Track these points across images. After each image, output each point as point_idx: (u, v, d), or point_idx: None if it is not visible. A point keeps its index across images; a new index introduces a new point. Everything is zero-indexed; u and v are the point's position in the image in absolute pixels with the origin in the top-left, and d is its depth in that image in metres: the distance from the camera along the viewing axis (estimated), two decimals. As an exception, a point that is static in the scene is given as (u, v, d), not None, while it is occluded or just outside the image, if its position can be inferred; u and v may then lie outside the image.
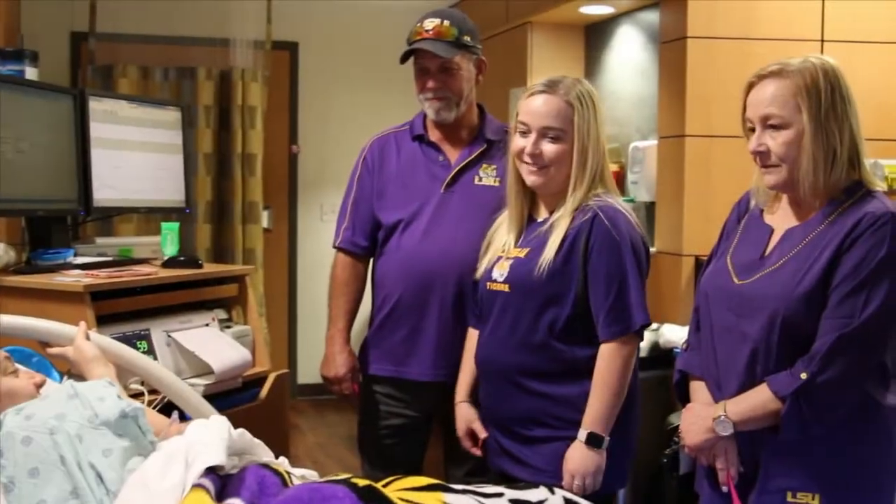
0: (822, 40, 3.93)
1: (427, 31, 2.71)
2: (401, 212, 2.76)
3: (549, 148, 2.36)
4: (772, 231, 2.07)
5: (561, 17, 4.98)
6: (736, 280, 2.04)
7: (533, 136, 2.37)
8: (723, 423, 1.99)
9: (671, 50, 4.03)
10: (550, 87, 2.38)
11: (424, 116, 2.84)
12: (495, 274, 2.42)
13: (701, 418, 2.06)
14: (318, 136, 6.46)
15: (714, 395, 2.08)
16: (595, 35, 5.10)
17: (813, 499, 1.94)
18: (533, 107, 2.38)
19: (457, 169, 2.77)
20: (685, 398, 2.20)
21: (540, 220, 2.45)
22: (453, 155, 2.80)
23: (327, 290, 2.89)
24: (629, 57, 4.77)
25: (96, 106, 3.06)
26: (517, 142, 2.41)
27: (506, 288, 2.39)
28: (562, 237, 2.34)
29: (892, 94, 3.49)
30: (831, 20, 3.96)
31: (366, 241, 2.83)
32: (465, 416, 2.55)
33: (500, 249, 2.45)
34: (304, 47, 6.44)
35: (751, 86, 2.01)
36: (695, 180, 3.92)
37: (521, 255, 2.40)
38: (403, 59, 2.77)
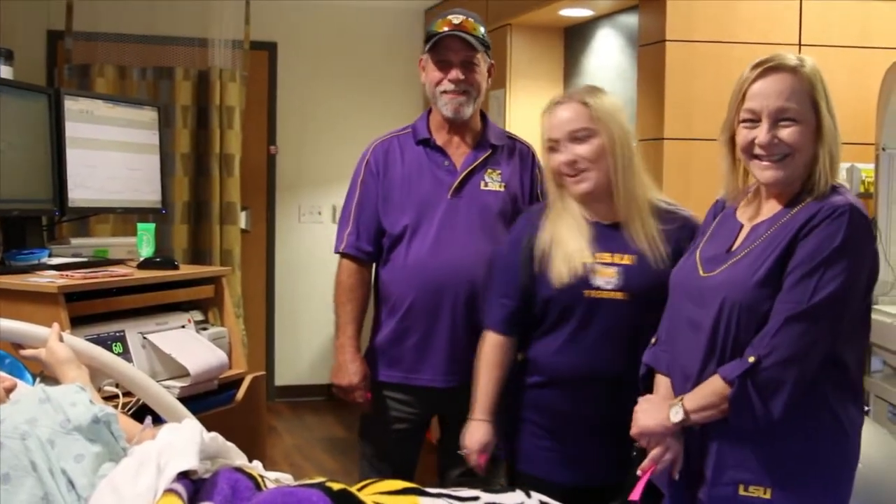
0: (800, 44, 3.95)
1: (455, 23, 2.69)
2: (407, 218, 2.72)
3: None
4: (741, 227, 2.08)
5: (540, 20, 4.99)
6: (701, 273, 2.06)
7: (567, 146, 2.42)
8: (675, 408, 2.01)
9: (650, 53, 4.04)
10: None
11: (427, 119, 2.81)
12: (599, 281, 2.35)
13: (656, 406, 2.08)
14: (297, 137, 6.43)
15: (679, 387, 2.07)
16: (574, 37, 5.11)
17: (765, 493, 1.93)
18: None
19: (463, 174, 2.74)
20: (649, 391, 2.20)
21: (606, 223, 2.40)
22: (458, 159, 2.76)
23: (332, 296, 2.82)
24: (608, 59, 4.78)
25: (72, 105, 3.04)
26: (556, 157, 2.40)
27: (619, 296, 2.34)
28: (661, 241, 2.37)
29: (868, 97, 3.52)
30: (808, 24, 3.98)
31: (371, 246, 2.78)
32: (484, 438, 2.48)
33: (584, 254, 2.36)
34: (282, 47, 6.42)
35: (756, 77, 1.98)
36: (673, 183, 3.92)
37: (628, 261, 2.36)
38: (431, 47, 2.70)
